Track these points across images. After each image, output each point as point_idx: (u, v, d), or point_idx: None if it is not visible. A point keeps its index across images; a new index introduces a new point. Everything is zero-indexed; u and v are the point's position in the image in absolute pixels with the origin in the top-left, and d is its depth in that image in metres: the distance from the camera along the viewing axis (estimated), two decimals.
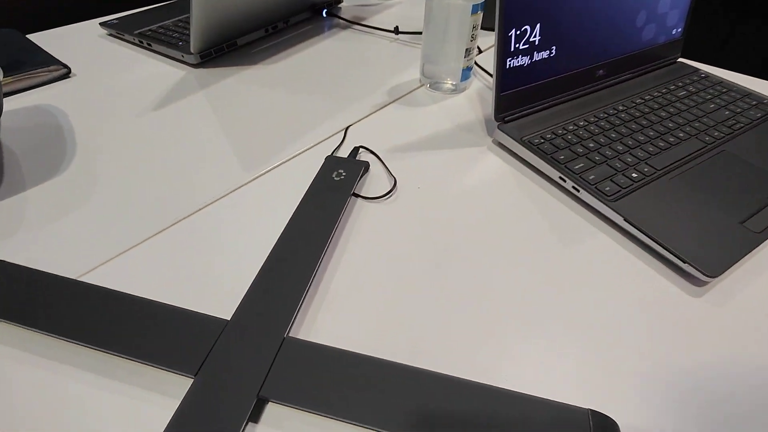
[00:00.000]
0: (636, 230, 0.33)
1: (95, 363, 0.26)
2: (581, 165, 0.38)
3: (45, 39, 0.63)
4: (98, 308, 0.27)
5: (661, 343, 0.27)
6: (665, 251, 0.31)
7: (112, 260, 0.32)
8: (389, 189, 0.38)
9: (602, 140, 0.41)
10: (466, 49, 0.49)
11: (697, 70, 0.54)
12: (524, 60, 0.41)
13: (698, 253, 0.31)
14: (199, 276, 0.31)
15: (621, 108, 0.45)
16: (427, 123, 0.48)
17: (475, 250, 0.33)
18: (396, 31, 0.64)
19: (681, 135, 0.42)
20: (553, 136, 0.41)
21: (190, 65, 0.58)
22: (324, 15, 0.70)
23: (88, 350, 0.26)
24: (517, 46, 0.40)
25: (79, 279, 0.30)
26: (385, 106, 0.51)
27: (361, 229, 0.35)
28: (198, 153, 0.43)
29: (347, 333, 0.28)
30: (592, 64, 0.47)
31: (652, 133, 0.42)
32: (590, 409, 0.23)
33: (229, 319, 0.27)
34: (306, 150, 0.43)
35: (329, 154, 0.42)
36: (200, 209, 0.36)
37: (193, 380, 0.24)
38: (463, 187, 0.39)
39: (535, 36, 0.41)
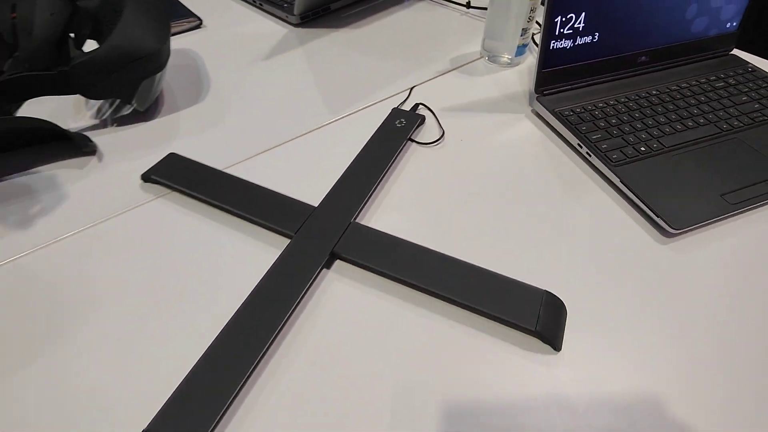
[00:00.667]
0: (626, 188, 0.42)
1: (234, 222, 0.40)
2: (599, 136, 0.46)
3: None
4: (234, 188, 0.41)
5: (619, 270, 0.37)
6: (644, 205, 0.40)
7: (240, 163, 0.46)
8: (437, 138, 0.49)
9: (625, 118, 0.48)
10: (523, 29, 0.56)
11: (746, 63, 0.57)
12: (567, 43, 0.49)
13: (670, 210, 0.39)
14: (299, 178, 0.44)
15: (654, 93, 0.52)
16: (479, 90, 0.57)
17: (497, 186, 0.44)
18: (467, 5, 0.72)
19: (701, 121, 0.48)
20: (582, 110, 0.49)
21: (292, 24, 0.70)
22: None
23: (228, 215, 0.41)
24: (561, 30, 0.48)
25: (219, 169, 0.45)
26: (447, 72, 0.60)
27: (414, 163, 0.46)
28: (295, 96, 0.56)
29: (393, 225, 0.40)
30: (633, 50, 0.53)
31: (673, 117, 0.49)
32: (546, 290, 0.33)
33: (316, 205, 0.40)
34: (378, 102, 0.55)
35: (395, 107, 0.53)
36: (298, 137, 0.50)
37: (292, 239, 0.38)
38: (497, 143, 0.49)
39: (579, 23, 0.48)
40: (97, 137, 0.49)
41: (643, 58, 0.54)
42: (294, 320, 0.34)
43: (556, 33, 0.48)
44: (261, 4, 0.73)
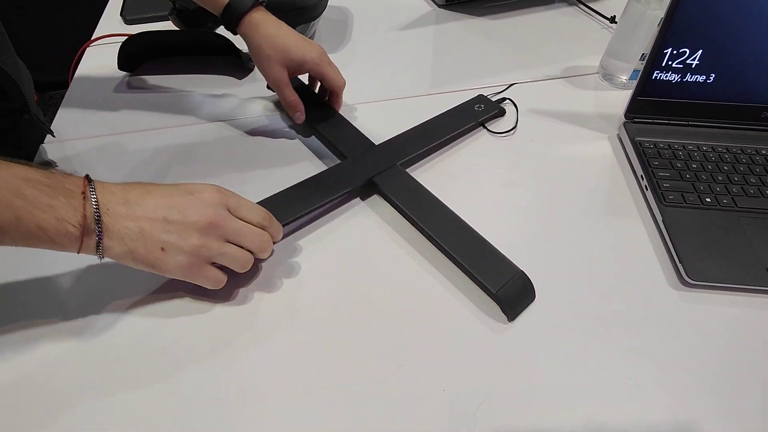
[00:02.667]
0: (663, 228, 0.42)
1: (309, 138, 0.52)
2: (666, 174, 0.46)
3: None
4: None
5: (618, 295, 0.39)
6: (672, 247, 0.40)
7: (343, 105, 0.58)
8: (507, 129, 0.54)
9: (709, 167, 0.47)
10: (644, 54, 0.56)
11: None
12: (673, 77, 0.48)
13: (695, 261, 0.39)
14: (378, 125, 0.54)
15: (764, 152, 0.48)
16: (577, 102, 0.58)
17: (541, 185, 0.48)
18: (611, 19, 0.71)
19: None
20: (667, 147, 0.49)
21: (437, 5, 0.78)
22: None
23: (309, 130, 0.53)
24: (669, 63, 0.48)
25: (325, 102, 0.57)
26: (556, 78, 0.63)
27: (477, 146, 0.52)
28: (412, 65, 0.64)
29: (430, 182, 0.47)
30: (757, 102, 0.49)
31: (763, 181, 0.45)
32: (524, 272, 0.38)
33: (377, 144, 0.50)
34: (480, 88, 0.60)
35: (482, 93, 0.58)
36: (395, 98, 0.59)
37: (345, 160, 0.49)
38: (564, 152, 0.52)
39: (693, 59, 0.47)
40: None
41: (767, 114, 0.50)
42: (321, 224, 0.45)
43: (663, 64, 0.48)
44: None
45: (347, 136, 0.50)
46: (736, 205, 0.43)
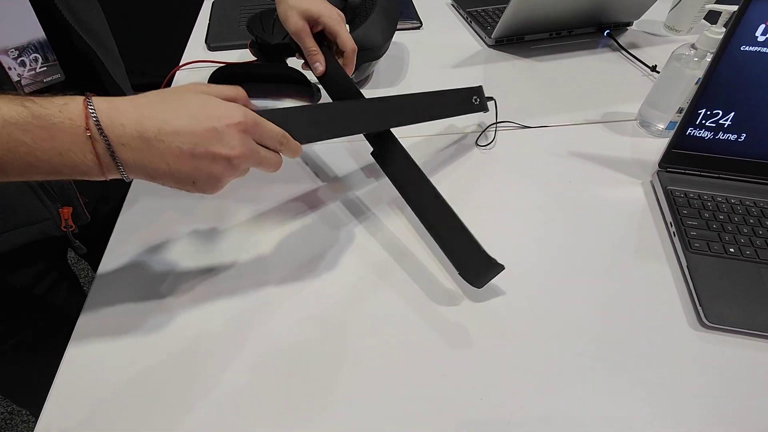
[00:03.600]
0: (687, 273, 0.46)
1: None
2: (695, 224, 0.50)
3: None
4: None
5: (633, 325, 0.44)
6: (693, 290, 0.45)
7: None
8: (488, 143, 0.59)
9: (736, 219, 0.51)
10: (680, 108, 0.60)
11: None
12: (706, 134, 0.53)
13: (715, 305, 0.43)
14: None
15: None
16: (614, 147, 0.63)
17: (577, 222, 0.53)
18: (653, 68, 0.75)
19: None
20: (697, 198, 0.53)
21: (487, 45, 0.84)
22: (605, 35, 0.84)
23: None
24: (703, 122, 0.52)
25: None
26: (594, 123, 0.68)
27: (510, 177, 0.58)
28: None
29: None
30: None
31: None
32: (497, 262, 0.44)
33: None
34: (516, 127, 0.66)
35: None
36: (439, 135, 0.65)
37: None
38: (599, 195, 0.56)
39: (726, 120, 0.52)
40: (323, 91, 0.73)
41: None
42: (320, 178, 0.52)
43: (697, 122, 0.52)
44: (470, 21, 0.89)
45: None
46: (758, 257, 0.47)
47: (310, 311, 0.45)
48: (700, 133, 0.53)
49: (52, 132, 0.29)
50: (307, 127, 0.42)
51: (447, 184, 0.58)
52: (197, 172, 0.33)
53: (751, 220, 0.51)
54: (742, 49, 0.47)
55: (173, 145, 0.31)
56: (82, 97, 0.30)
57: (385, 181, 0.53)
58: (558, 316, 0.45)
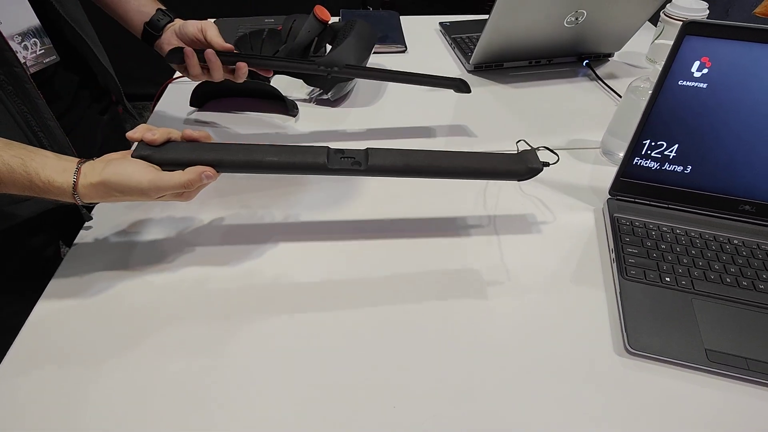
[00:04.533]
0: (618, 299, 0.47)
1: None
2: (635, 251, 0.51)
3: (407, 21, 1.03)
4: None
5: (560, 345, 0.44)
6: (621, 317, 0.45)
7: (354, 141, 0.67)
8: None
9: (678, 249, 0.51)
10: None
11: None
12: (653, 164, 0.54)
13: (641, 332, 0.44)
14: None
15: (735, 242, 0.52)
16: (574, 174, 0.65)
17: (522, 241, 0.54)
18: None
19: (751, 284, 0.47)
20: (642, 226, 0.54)
21: (467, 70, 0.87)
22: (584, 65, 0.86)
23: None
24: (648, 152, 0.53)
25: None
26: (560, 149, 0.69)
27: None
28: (427, 117, 0.74)
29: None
30: (735, 195, 0.53)
31: (732, 270, 0.49)
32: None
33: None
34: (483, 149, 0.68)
35: None
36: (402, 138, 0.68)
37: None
38: (550, 218, 0.58)
39: (670, 151, 0.52)
40: (301, 107, 0.77)
41: (747, 207, 0.53)
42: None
43: (642, 152, 0.53)
44: (454, 48, 0.92)
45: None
46: (693, 288, 0.48)
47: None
48: (646, 163, 0.54)
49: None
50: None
51: (402, 203, 0.60)
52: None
53: (693, 251, 0.51)
54: (679, 83, 0.49)
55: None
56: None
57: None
58: (487, 331, 0.46)
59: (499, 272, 0.52)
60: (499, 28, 0.75)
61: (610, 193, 0.57)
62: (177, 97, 0.79)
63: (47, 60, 0.55)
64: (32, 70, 0.52)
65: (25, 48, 0.52)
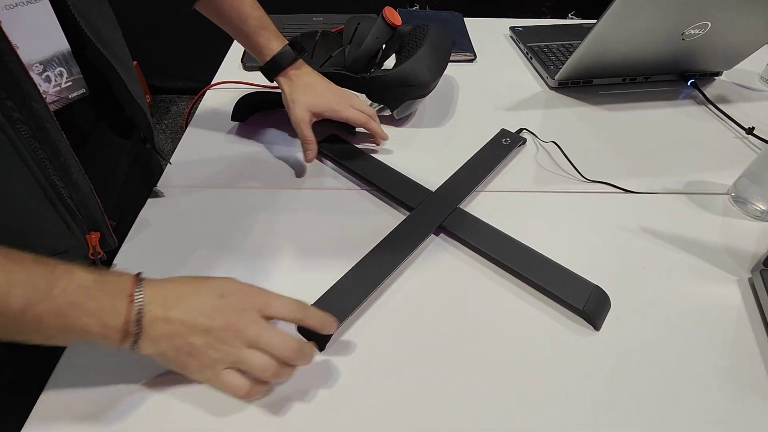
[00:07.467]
0: None
1: (369, 195, 0.51)
2: None
3: (471, 24, 0.90)
4: (377, 168, 0.58)
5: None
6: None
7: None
8: None
9: None
10: None
11: None
12: None
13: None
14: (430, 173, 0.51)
15: None
16: (701, 228, 0.52)
17: (652, 325, 0.42)
18: (749, 130, 0.64)
19: None
20: None
21: (549, 86, 0.75)
22: (688, 84, 0.73)
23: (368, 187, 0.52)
24: None
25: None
26: (675, 193, 0.56)
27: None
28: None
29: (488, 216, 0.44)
30: None
31: None
32: (597, 285, 0.43)
33: (433, 191, 0.53)
34: (568, 192, 0.56)
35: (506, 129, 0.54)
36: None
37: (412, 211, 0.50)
38: (681, 292, 0.45)
39: None
40: None
41: None
42: (404, 269, 0.46)
43: None
44: (530, 58, 0.80)
45: (407, 187, 0.54)
46: None
47: None
48: None
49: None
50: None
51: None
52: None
53: None
54: None
55: (184, 313, 0.34)
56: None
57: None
58: None
59: (632, 365, 0.40)
60: (604, 38, 0.62)
61: (765, 264, 0.45)
62: (216, 104, 0.68)
63: (74, 95, 0.42)
64: (53, 108, 0.39)
65: (47, 80, 0.40)
